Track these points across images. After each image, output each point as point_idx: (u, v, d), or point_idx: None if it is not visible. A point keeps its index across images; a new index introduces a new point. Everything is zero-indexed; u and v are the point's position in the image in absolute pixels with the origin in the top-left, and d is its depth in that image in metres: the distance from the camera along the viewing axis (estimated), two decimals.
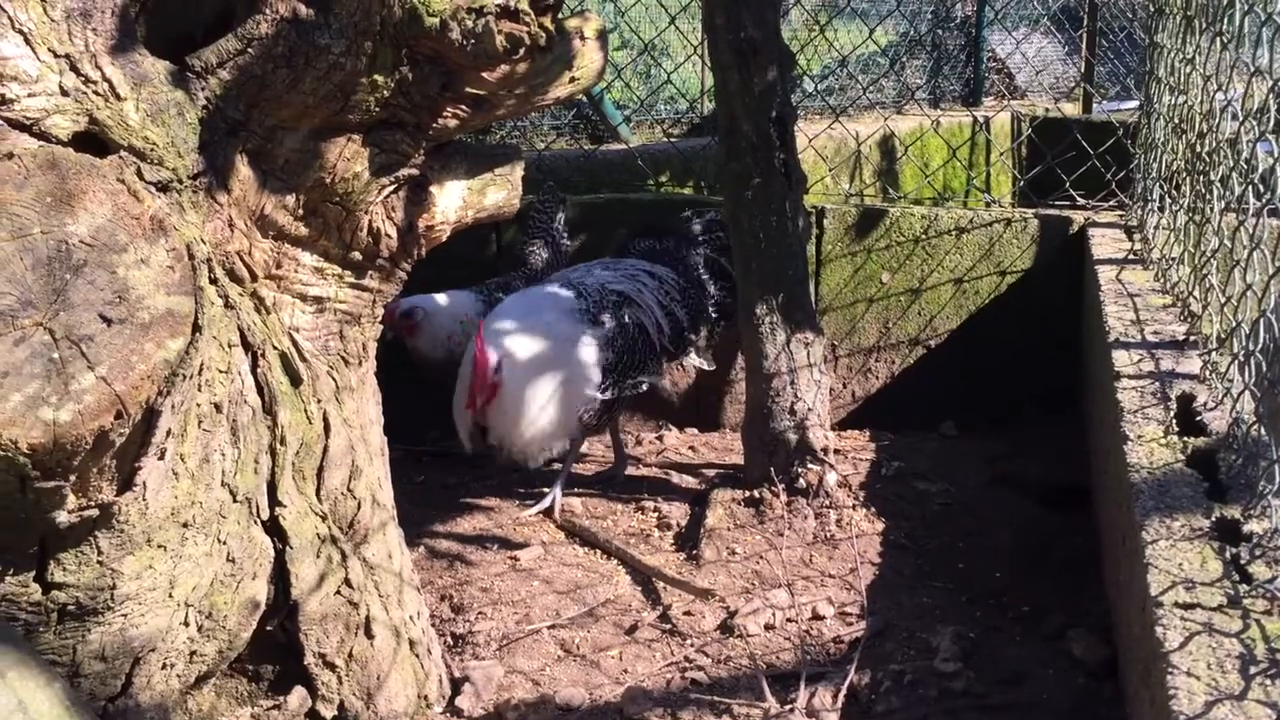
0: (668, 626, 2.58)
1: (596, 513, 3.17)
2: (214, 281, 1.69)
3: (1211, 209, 2.52)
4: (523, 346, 2.97)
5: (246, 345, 1.80)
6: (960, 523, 3.01)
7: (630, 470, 3.45)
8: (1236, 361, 2.12)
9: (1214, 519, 1.86)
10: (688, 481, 3.37)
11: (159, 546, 1.60)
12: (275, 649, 1.93)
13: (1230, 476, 1.99)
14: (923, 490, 3.20)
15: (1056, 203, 4.02)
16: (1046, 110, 4.88)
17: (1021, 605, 2.59)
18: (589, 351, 3.05)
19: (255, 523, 1.82)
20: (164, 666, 1.72)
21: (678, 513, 3.13)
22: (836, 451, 3.24)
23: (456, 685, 2.31)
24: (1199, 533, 1.83)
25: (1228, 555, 1.76)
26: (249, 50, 1.75)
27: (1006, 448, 3.47)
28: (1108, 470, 2.49)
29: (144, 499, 1.52)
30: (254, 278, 1.90)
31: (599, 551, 2.95)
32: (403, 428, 2.47)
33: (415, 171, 2.03)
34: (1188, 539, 1.81)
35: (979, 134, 5.91)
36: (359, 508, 2.07)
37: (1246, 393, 2.03)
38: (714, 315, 3.48)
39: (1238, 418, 2.09)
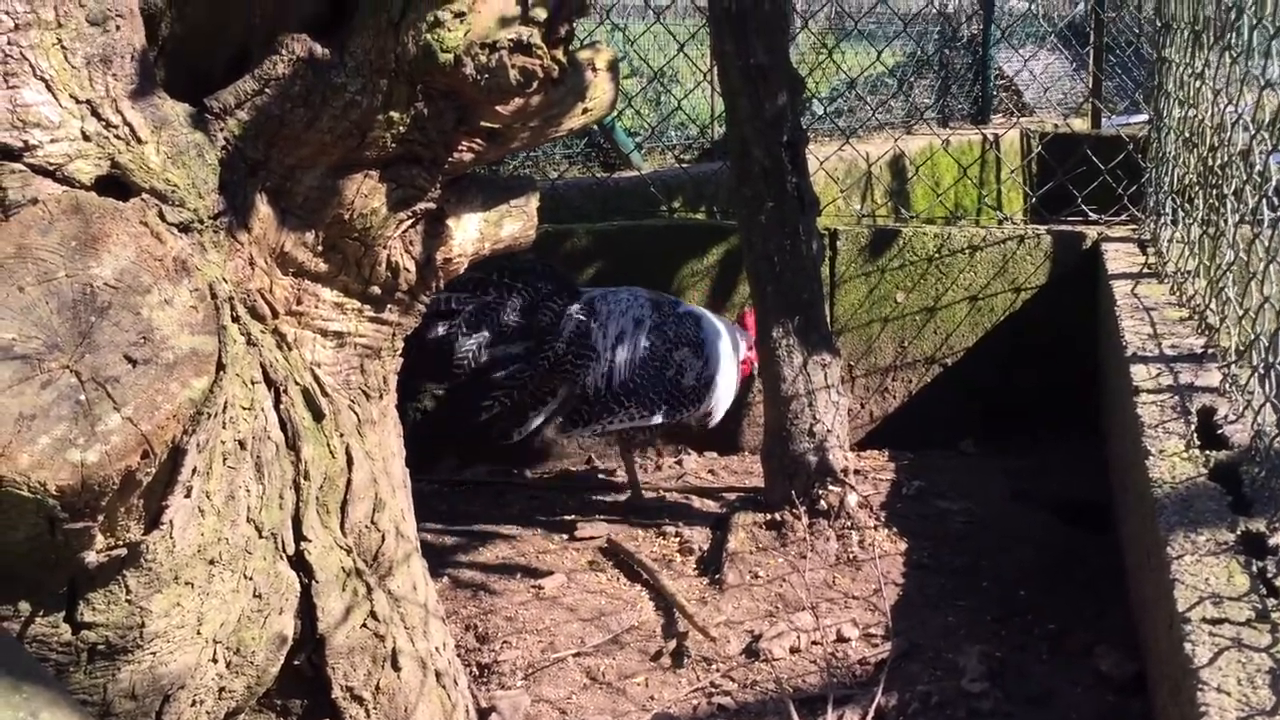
0: (693, 652, 2.58)
1: (618, 539, 3.17)
2: (236, 319, 1.70)
3: (1225, 221, 2.52)
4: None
5: (269, 382, 1.81)
6: (983, 541, 3.00)
7: (650, 495, 3.45)
8: (1257, 374, 2.11)
9: (1239, 533, 1.85)
10: (708, 505, 3.37)
11: (187, 584, 1.61)
12: (303, 683, 1.93)
13: (1254, 489, 1.98)
14: (944, 509, 3.19)
15: (1069, 218, 4.02)
16: (1055, 126, 4.90)
17: (1047, 623, 2.58)
18: None
19: (281, 558, 1.82)
20: (193, 703, 1.73)
21: (699, 537, 3.12)
22: (856, 472, 3.24)
23: (484, 715, 2.31)
24: (1224, 547, 1.82)
25: (1254, 569, 1.75)
26: (266, 90, 1.76)
27: (1026, 464, 3.46)
28: (1129, 485, 2.48)
29: (171, 537, 1.53)
30: (275, 314, 1.91)
31: (624, 577, 2.95)
32: (415, 456, 2.46)
33: (432, 205, 2.04)
34: (1213, 553, 1.80)
35: (989, 152, 5.91)
36: (383, 540, 2.08)
37: (1268, 405, 2.02)
38: None
39: (1260, 430, 2.08)
